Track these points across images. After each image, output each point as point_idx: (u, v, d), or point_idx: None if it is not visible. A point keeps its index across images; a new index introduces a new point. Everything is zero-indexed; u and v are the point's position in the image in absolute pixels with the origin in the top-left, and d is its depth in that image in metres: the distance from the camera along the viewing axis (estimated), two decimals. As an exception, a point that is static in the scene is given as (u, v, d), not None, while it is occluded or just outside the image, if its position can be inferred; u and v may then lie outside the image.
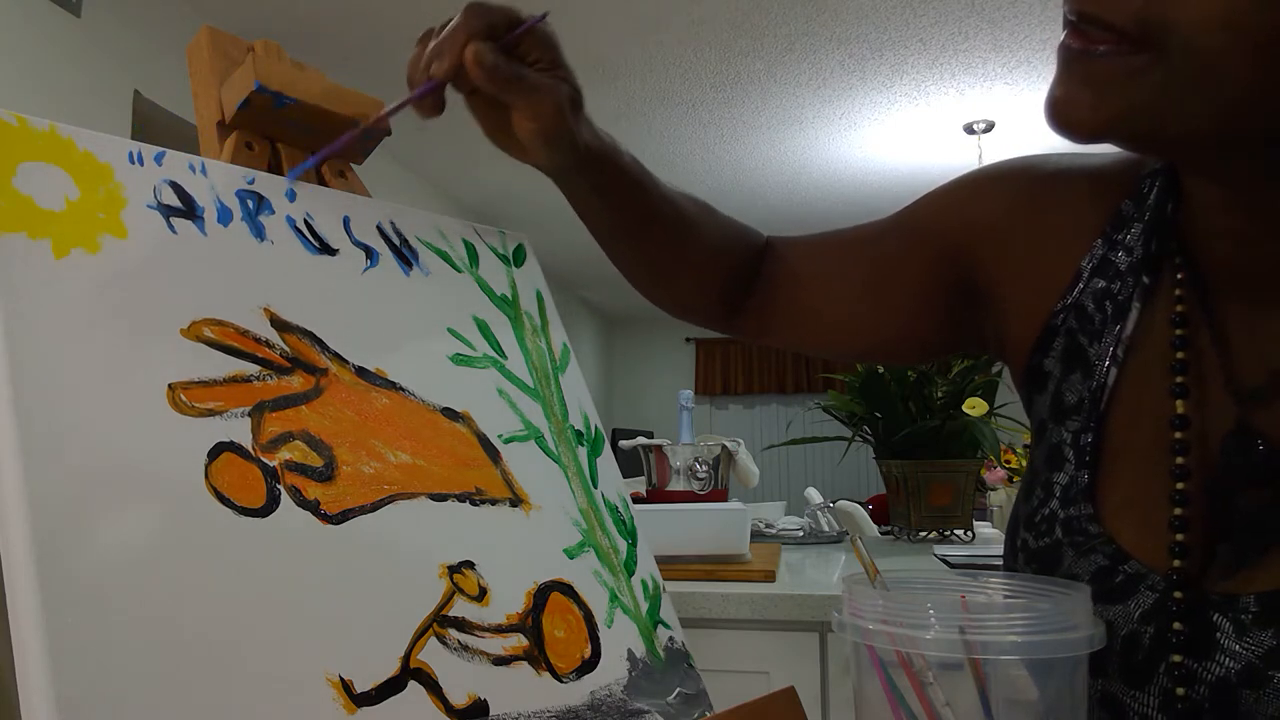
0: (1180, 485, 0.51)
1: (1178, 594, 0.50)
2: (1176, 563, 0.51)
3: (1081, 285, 0.59)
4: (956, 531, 1.79)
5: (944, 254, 0.67)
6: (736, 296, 0.75)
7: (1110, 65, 0.44)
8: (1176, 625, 0.50)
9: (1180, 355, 0.53)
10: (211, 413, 0.44)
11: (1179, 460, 0.51)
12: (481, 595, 0.50)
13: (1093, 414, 0.57)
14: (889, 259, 0.70)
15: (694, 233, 0.71)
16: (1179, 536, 0.51)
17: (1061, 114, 0.46)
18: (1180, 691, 0.49)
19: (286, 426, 0.47)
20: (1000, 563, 1.51)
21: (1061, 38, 0.47)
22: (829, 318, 0.73)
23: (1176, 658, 0.50)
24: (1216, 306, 0.53)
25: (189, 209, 0.49)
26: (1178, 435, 0.52)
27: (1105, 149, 0.50)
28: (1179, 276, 0.55)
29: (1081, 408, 0.57)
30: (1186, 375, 0.53)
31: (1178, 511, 0.51)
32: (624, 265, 0.73)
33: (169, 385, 0.43)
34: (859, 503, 2.43)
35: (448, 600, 0.49)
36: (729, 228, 0.74)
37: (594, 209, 0.66)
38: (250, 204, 0.52)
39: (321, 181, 0.61)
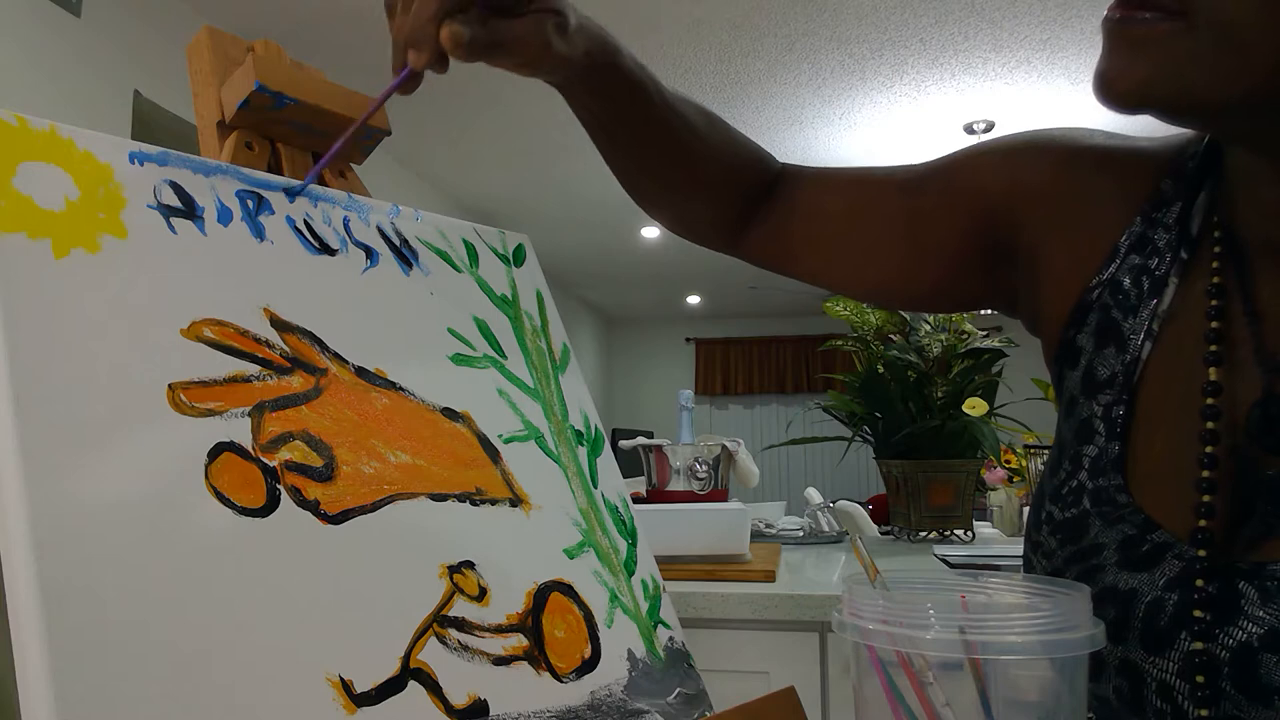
0: (1209, 449, 0.52)
1: (1201, 552, 0.51)
2: (1202, 522, 0.51)
3: (1118, 262, 0.60)
4: (956, 531, 1.79)
5: (985, 212, 0.67)
6: (744, 219, 0.74)
7: (1146, 30, 0.46)
8: (1199, 583, 0.50)
9: (1215, 325, 0.54)
10: (211, 413, 0.44)
11: (1209, 425, 0.52)
12: (481, 595, 0.50)
13: (1126, 386, 0.57)
14: (927, 209, 0.69)
15: (700, 144, 0.70)
16: (1205, 498, 0.51)
17: (1104, 82, 0.48)
18: (1199, 646, 0.49)
19: (286, 426, 0.47)
20: (1000, 563, 1.51)
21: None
22: (860, 255, 0.73)
23: (1198, 613, 0.50)
24: (1253, 280, 0.54)
25: (189, 209, 0.49)
26: (1209, 401, 0.52)
27: (1152, 132, 0.51)
28: (1217, 250, 0.56)
29: (1114, 381, 0.58)
30: (1221, 345, 0.53)
31: (1205, 474, 0.52)
32: (626, 176, 0.72)
33: (169, 385, 0.43)
34: (859, 503, 2.43)
35: (448, 600, 0.49)
36: (741, 144, 0.74)
37: (592, 114, 0.66)
38: (250, 204, 0.52)
39: (321, 181, 0.61)
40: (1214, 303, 0.54)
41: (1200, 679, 0.49)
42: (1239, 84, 0.45)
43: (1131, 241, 0.59)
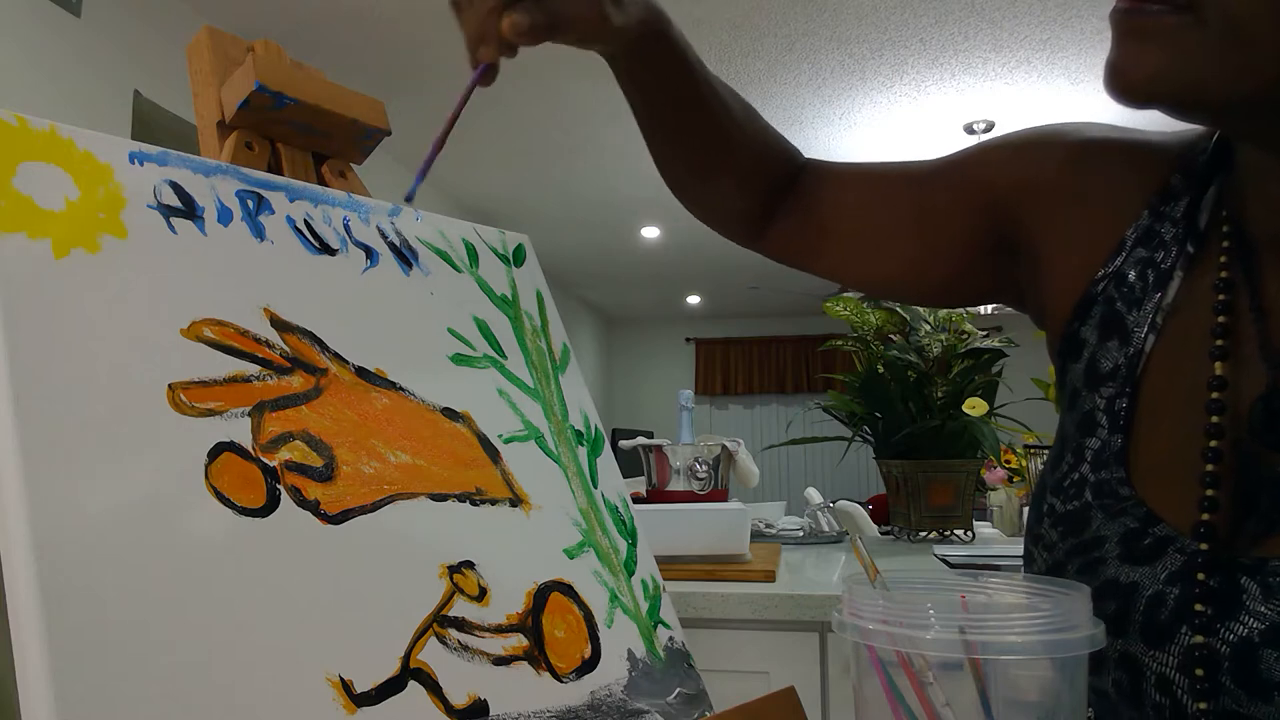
0: (1214, 443, 0.52)
1: (1203, 545, 0.51)
2: (1204, 516, 0.51)
3: (1124, 255, 0.60)
4: (956, 531, 1.79)
5: (990, 206, 0.67)
6: (769, 212, 0.75)
7: (1154, 21, 0.47)
8: (1200, 576, 0.50)
9: (1222, 319, 0.54)
10: (211, 413, 0.44)
11: (1213, 419, 0.52)
12: (481, 595, 0.50)
13: (1129, 380, 0.57)
14: (936, 204, 0.70)
15: (737, 128, 0.71)
16: (1209, 492, 0.51)
17: (1114, 75, 0.48)
18: (1200, 640, 0.49)
19: (286, 426, 0.47)
20: (1000, 563, 1.50)
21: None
22: (871, 249, 0.74)
23: (1199, 607, 0.50)
24: (1260, 275, 0.54)
25: (189, 209, 0.49)
26: (1214, 395, 0.53)
27: (1161, 129, 0.51)
28: (1224, 245, 0.56)
29: (1117, 374, 0.58)
30: (1226, 339, 0.54)
31: (1209, 468, 0.52)
32: (662, 157, 0.73)
33: (169, 385, 0.43)
34: (859, 503, 2.43)
35: (448, 600, 0.49)
36: (771, 135, 0.75)
37: (640, 86, 0.67)
38: (250, 204, 0.52)
39: (321, 181, 0.61)
40: (1221, 297, 0.54)
41: (1200, 673, 0.49)
42: (1246, 81, 0.45)
43: (1139, 235, 0.60)
